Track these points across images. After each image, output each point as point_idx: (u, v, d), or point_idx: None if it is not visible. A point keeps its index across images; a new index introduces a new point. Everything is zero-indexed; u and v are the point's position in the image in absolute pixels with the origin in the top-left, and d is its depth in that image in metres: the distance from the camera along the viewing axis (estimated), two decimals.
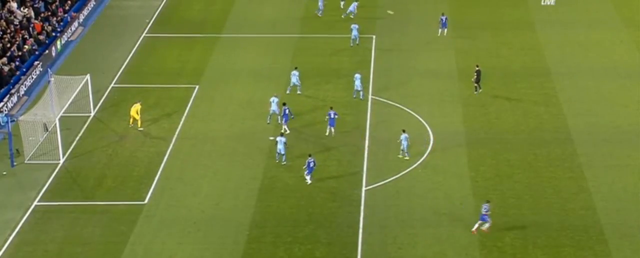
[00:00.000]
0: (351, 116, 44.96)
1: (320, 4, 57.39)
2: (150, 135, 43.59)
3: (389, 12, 50.08)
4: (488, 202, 35.31)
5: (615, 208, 36.87)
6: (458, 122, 44.36)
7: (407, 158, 40.33)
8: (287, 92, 47.01)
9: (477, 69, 46.69)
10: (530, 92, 47.49)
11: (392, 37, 54.77)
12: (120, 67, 51.52)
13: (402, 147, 40.44)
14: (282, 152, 40.20)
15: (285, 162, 40.21)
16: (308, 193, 38.36)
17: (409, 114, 45.37)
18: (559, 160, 40.67)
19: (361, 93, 46.40)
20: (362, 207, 37.31)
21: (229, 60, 52.38)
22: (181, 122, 44.89)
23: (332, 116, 42.62)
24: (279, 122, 43.43)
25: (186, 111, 46.06)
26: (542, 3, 57.79)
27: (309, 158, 38.57)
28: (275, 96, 44.24)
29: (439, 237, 35.21)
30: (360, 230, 35.78)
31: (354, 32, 53.12)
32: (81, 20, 57.84)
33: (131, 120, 43.95)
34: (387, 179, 39.28)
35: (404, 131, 40.62)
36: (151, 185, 39.20)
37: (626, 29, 55.30)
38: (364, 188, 38.67)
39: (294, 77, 47.00)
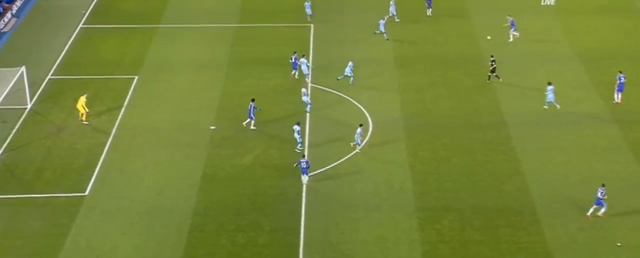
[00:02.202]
0: (291, 104, 45.17)
1: (309, 10, 55.34)
2: (90, 127, 43.09)
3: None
4: (603, 185, 35.62)
5: (547, 189, 37.99)
6: (396, 109, 45.01)
7: (357, 151, 40.49)
8: (298, 77, 47.28)
9: (492, 59, 47.08)
10: (465, 78, 48.44)
11: (329, 26, 55.08)
12: (57, 59, 50.68)
13: (356, 141, 40.47)
14: (299, 140, 40.29)
15: (299, 149, 40.22)
16: (250, 182, 38.49)
17: (348, 101, 45.83)
18: (493, 144, 41.66)
19: (351, 79, 46.91)
20: (304, 194, 37.62)
21: (168, 51, 52.00)
22: (121, 113, 44.47)
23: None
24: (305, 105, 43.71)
25: (126, 102, 45.63)
26: (542, 3, 58.65)
27: (302, 159, 38.04)
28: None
29: (380, 221, 35.78)
30: (303, 217, 36.11)
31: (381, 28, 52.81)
32: (14, 11, 56.62)
33: (80, 114, 43.21)
34: (328, 166, 39.67)
35: (361, 125, 40.72)
36: (92, 176, 38.81)
37: (557, 16, 56.76)
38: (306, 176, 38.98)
39: (304, 65, 47.13)
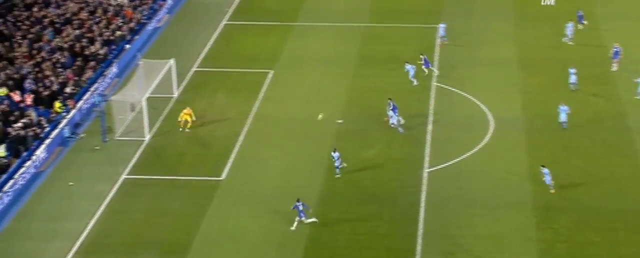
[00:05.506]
0: (414, 102, 44.22)
1: (442, 32, 50.78)
2: (227, 116, 43.81)
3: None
4: None
5: None
6: (517, 109, 43.19)
7: (552, 191, 35.77)
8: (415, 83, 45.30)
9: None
10: (587, 81, 45.75)
11: (455, 29, 53.48)
12: (202, 52, 51.90)
13: (546, 181, 35.79)
14: (338, 166, 37.40)
15: (338, 175, 37.50)
16: (372, 174, 37.94)
17: (470, 100, 44.39)
18: (615, 147, 39.25)
19: (574, 85, 44.06)
20: (424, 188, 36.71)
21: (302, 47, 52.15)
22: (256, 105, 44.94)
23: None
24: (393, 122, 41.31)
25: (261, 94, 46.09)
26: (542, 3, 55.65)
27: (297, 202, 33.89)
28: (390, 99, 41.53)
29: (497, 218, 34.40)
30: (422, 209, 35.23)
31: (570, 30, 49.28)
32: (168, 8, 58.41)
33: (188, 123, 41.82)
34: (449, 162, 38.52)
35: (543, 166, 36.16)
36: (227, 162, 39.39)
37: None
38: (426, 170, 38.02)
39: (411, 69, 45.22)
